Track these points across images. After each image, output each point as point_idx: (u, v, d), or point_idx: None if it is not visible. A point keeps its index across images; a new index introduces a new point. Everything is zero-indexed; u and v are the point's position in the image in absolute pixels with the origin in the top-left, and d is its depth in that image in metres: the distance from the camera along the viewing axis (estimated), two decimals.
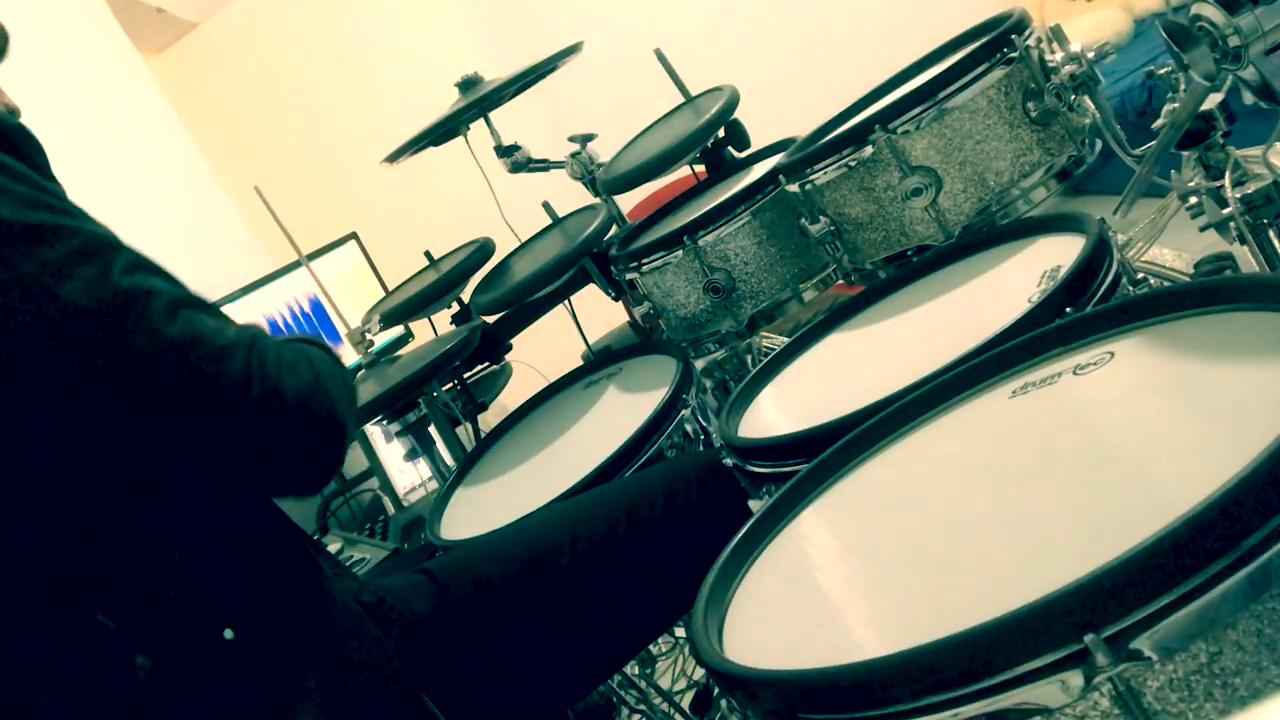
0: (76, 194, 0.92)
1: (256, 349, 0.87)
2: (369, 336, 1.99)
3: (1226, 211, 1.29)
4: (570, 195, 2.30)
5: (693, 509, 1.25)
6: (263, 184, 2.00)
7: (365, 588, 1.10)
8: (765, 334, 2.12)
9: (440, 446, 2.05)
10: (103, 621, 0.86)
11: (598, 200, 2.16)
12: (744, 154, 2.04)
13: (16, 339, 0.80)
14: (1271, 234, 1.30)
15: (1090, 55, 1.38)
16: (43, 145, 0.92)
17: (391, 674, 0.99)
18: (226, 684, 0.89)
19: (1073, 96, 1.39)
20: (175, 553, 0.89)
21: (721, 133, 1.99)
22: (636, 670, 1.84)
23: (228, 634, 0.89)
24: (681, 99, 2.15)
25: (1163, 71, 1.31)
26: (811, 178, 1.52)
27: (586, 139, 2.18)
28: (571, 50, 2.10)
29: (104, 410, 0.82)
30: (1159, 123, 1.31)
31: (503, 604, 1.15)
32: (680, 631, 2.03)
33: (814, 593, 0.87)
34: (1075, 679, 0.59)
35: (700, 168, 2.09)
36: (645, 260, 1.75)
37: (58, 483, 0.85)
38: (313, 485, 0.94)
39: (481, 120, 2.19)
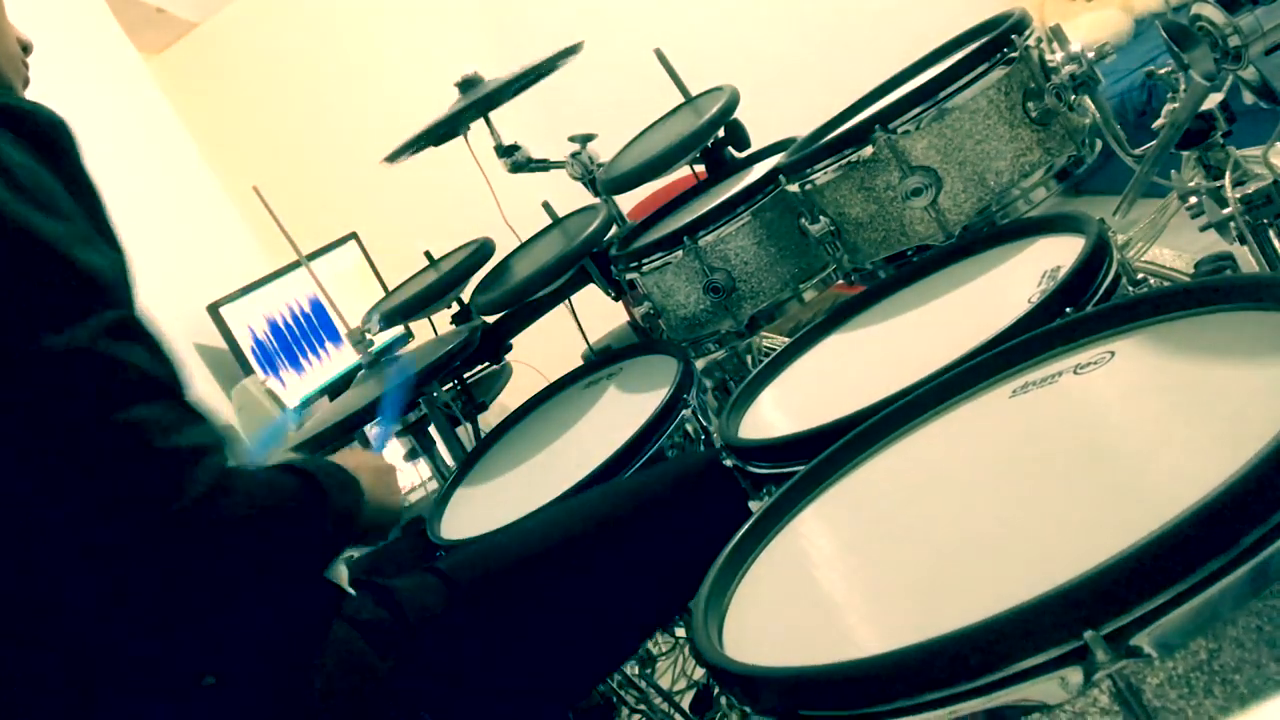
0: None
1: (203, 467, 0.82)
2: (369, 336, 1.99)
3: (1226, 211, 1.30)
4: (570, 195, 2.30)
5: (695, 507, 1.25)
6: (263, 184, 2.00)
7: (379, 596, 1.10)
8: (765, 334, 2.13)
9: (440, 446, 2.05)
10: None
11: (598, 200, 2.16)
12: (744, 154, 2.04)
13: None
14: (1271, 234, 1.30)
15: (1090, 55, 1.38)
16: (74, 136, 0.90)
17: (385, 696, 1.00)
18: None
19: (1073, 96, 1.39)
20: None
21: (721, 133, 1.99)
22: (636, 670, 1.84)
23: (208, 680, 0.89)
24: (681, 99, 2.15)
25: (1163, 71, 1.31)
26: (811, 178, 1.52)
27: (586, 139, 2.18)
28: (571, 50, 2.10)
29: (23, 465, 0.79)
30: (1159, 123, 1.32)
31: (511, 602, 1.15)
32: (680, 631, 2.03)
33: (813, 591, 0.87)
34: (1075, 676, 0.59)
35: (700, 168, 2.09)
36: (645, 260, 1.75)
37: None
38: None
39: (481, 120, 2.19)
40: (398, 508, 1.16)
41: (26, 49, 1.09)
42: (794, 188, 1.57)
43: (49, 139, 0.88)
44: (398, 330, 3.29)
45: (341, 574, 1.11)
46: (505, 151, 2.21)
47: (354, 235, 3.58)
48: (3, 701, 0.85)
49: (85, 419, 0.79)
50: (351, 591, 1.11)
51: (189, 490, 0.81)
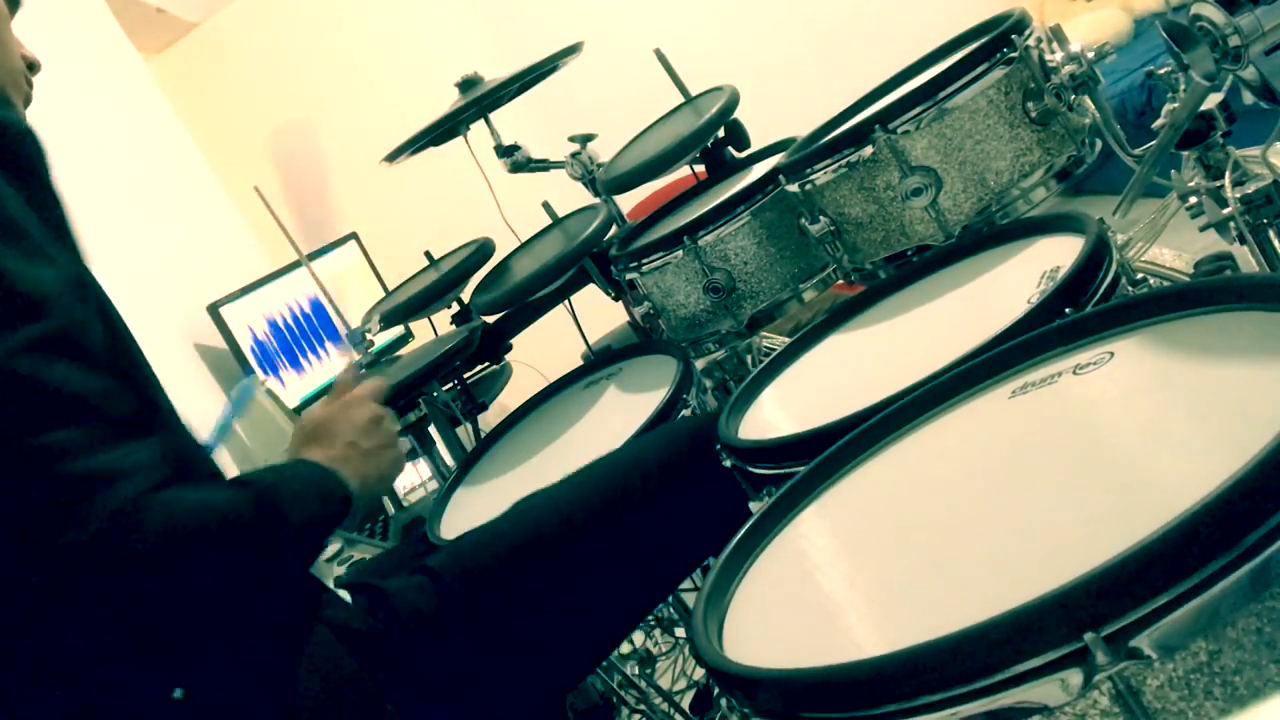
0: (75, 197, 0.90)
1: (106, 496, 0.77)
2: (369, 336, 1.99)
3: (1226, 211, 1.29)
4: (570, 195, 2.30)
5: (685, 475, 1.26)
6: (263, 184, 2.00)
7: (371, 600, 1.10)
8: (765, 334, 2.13)
9: (440, 446, 2.05)
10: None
11: (598, 200, 2.16)
12: (744, 154, 2.04)
13: None
14: (1271, 234, 1.30)
15: (1090, 55, 1.38)
16: (42, 147, 0.88)
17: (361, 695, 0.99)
18: None
19: (1073, 96, 1.39)
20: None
21: (721, 133, 1.99)
22: (636, 670, 1.84)
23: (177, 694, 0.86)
24: (681, 99, 2.15)
25: (1163, 71, 1.31)
26: (811, 178, 1.52)
27: (586, 139, 2.18)
28: (571, 50, 2.10)
29: None
30: (1159, 123, 1.31)
31: (504, 591, 1.16)
32: (680, 631, 2.04)
33: (814, 592, 0.87)
34: (1075, 677, 0.59)
35: (700, 168, 2.09)
36: (645, 260, 1.75)
37: None
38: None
39: (481, 120, 2.19)
40: (393, 474, 1.11)
41: (33, 67, 1.07)
42: (794, 188, 1.57)
43: (10, 149, 0.86)
44: (398, 330, 3.29)
45: (325, 573, 1.11)
46: (505, 151, 2.21)
47: (354, 235, 3.58)
48: None
49: None
50: (342, 594, 1.10)
51: (86, 523, 0.76)
